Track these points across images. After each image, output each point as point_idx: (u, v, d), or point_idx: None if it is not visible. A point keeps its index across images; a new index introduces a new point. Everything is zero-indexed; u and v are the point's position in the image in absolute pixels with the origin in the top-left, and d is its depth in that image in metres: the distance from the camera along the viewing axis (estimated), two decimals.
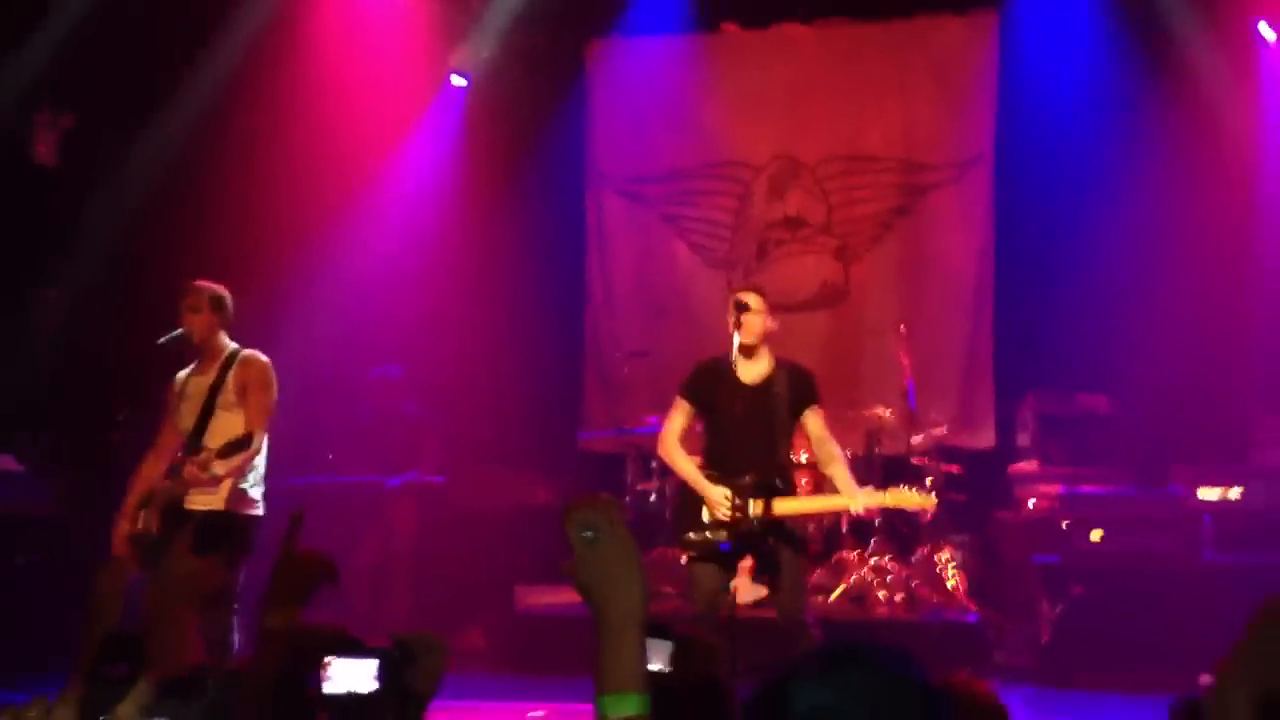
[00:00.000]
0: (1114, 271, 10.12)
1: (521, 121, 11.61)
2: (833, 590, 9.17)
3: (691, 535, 6.56)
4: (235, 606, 6.54)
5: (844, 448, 9.35)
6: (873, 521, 9.37)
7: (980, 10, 11.04)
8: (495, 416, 11.05)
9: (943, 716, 1.75)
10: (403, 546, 9.97)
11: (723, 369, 6.70)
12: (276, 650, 2.84)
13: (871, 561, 9.26)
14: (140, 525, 6.51)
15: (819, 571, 9.32)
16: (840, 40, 11.44)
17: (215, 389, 6.70)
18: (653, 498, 9.75)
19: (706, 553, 6.53)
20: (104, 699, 2.78)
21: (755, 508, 6.46)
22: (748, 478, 6.52)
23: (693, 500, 6.60)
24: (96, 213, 10.13)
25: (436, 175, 11.52)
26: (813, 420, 6.79)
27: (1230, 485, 9.00)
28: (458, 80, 11.62)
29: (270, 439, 6.78)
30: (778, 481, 6.57)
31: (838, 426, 9.75)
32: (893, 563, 9.25)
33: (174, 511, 6.51)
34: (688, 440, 6.88)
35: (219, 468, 6.43)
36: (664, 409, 7.06)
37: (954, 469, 9.75)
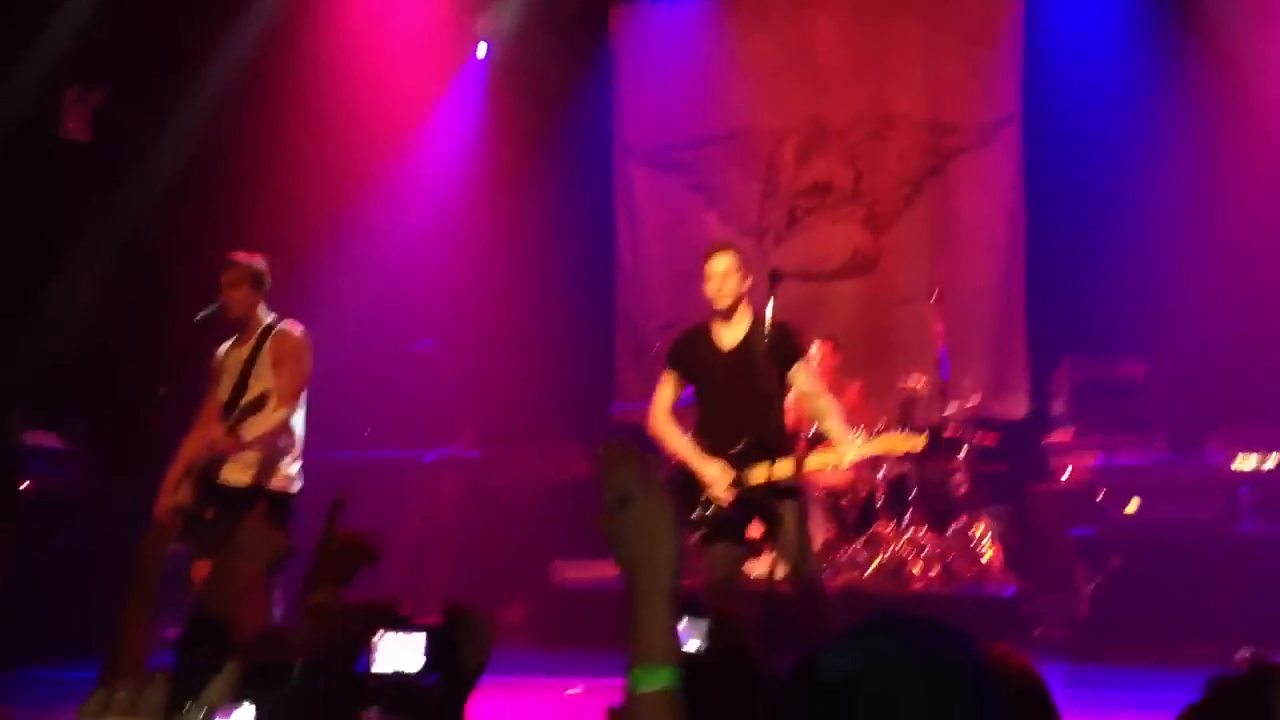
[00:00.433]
0: (1148, 234, 10.03)
1: (547, 90, 11.60)
2: (868, 564, 9.14)
3: (694, 516, 6.39)
4: (274, 582, 6.56)
5: (878, 418, 9.39)
6: (908, 494, 9.36)
7: None
8: (529, 390, 11.05)
9: (987, 697, 1.67)
10: (442, 521, 10.00)
11: (702, 335, 6.55)
12: (326, 629, 2.85)
13: (907, 535, 9.22)
14: (182, 498, 6.56)
15: (853, 546, 9.30)
16: (865, 2, 11.37)
17: (250, 362, 6.72)
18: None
19: (712, 531, 6.37)
20: (192, 682, 2.79)
21: (749, 475, 6.29)
22: (739, 445, 6.32)
23: (690, 479, 6.43)
24: (130, 188, 10.15)
25: (462, 147, 11.53)
26: (801, 375, 6.50)
27: (1267, 453, 8.92)
28: (481, 49, 11.59)
29: (308, 414, 6.79)
30: (766, 445, 6.32)
31: (871, 397, 9.80)
32: (929, 535, 9.21)
33: (206, 484, 6.54)
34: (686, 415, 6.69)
35: (244, 433, 6.48)
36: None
37: (989, 439, 9.68)
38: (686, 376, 6.61)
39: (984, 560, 9.18)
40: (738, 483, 6.30)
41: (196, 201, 10.18)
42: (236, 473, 6.60)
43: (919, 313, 10.10)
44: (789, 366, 6.45)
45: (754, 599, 6.31)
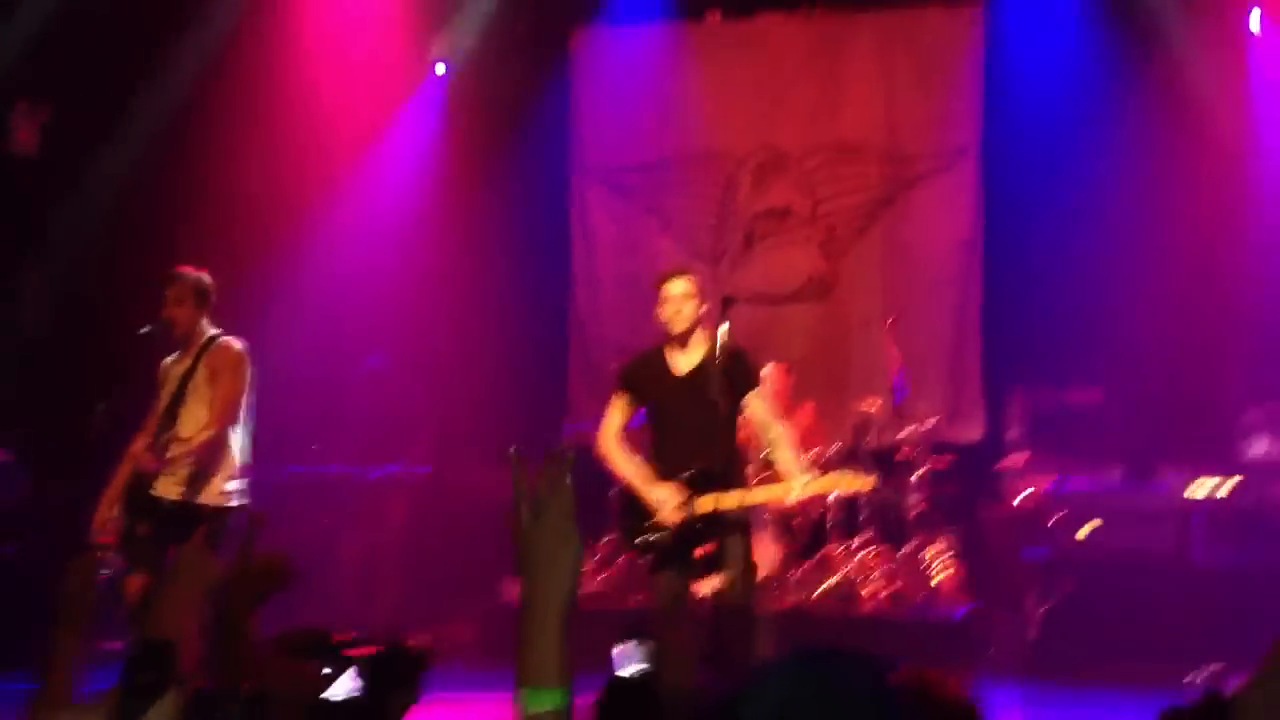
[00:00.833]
0: (1104, 264, 10.08)
1: (505, 110, 11.56)
2: (819, 586, 9.10)
3: (638, 540, 6.32)
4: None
5: (833, 441, 9.36)
6: (858, 515, 9.34)
7: (966, 0, 10.99)
8: (481, 408, 10.98)
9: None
10: (390, 538, 9.93)
11: (656, 360, 6.46)
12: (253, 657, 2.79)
13: (859, 556, 9.19)
14: (115, 513, 6.48)
15: (805, 567, 9.26)
16: (824, 30, 11.37)
17: (187, 376, 6.66)
18: None
19: (658, 556, 6.28)
20: (132, 709, 2.71)
21: (695, 504, 6.17)
22: (689, 472, 6.22)
23: (636, 502, 6.35)
24: (75, 202, 10.04)
25: (419, 165, 11.47)
26: (754, 404, 6.39)
27: (1220, 481, 8.95)
28: (439, 69, 11.56)
29: (254, 428, 6.72)
30: (716, 473, 6.21)
31: (826, 420, 9.79)
32: (880, 558, 9.18)
33: (139, 499, 6.46)
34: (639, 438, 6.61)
35: (172, 449, 6.41)
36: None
37: (943, 463, 9.69)
38: (638, 400, 6.52)
39: (936, 582, 9.16)
40: (681, 507, 6.18)
41: (145, 215, 10.09)
42: (168, 488, 6.52)
43: (874, 337, 10.10)
44: (743, 394, 6.36)
45: (697, 625, 6.24)
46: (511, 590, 9.43)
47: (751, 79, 11.42)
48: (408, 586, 9.72)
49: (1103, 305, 10.02)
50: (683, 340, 6.39)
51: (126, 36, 10.02)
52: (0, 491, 8.82)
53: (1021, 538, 9.04)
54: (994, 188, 10.80)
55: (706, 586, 6.51)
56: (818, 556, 9.32)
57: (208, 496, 6.57)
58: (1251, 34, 10.22)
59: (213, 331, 6.78)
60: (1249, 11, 10.24)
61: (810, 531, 9.49)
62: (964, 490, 9.81)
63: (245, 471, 6.75)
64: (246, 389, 6.71)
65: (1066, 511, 8.68)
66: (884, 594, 9.00)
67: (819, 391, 10.11)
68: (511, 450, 2.09)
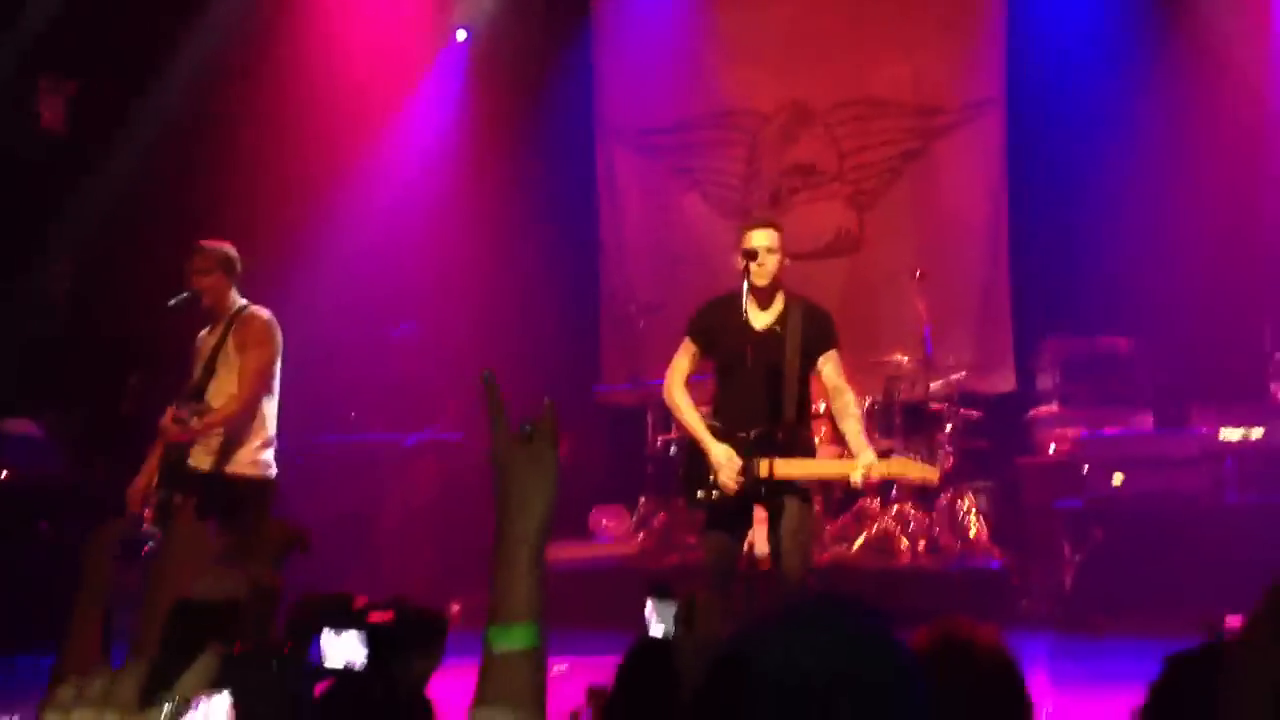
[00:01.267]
0: (1131, 211, 10.05)
1: (527, 74, 11.55)
2: (854, 540, 9.13)
3: (699, 494, 6.17)
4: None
5: (863, 395, 9.35)
6: None
7: None
8: (511, 372, 10.97)
9: (909, 670, 1.62)
10: (424, 504, 9.98)
11: (732, 310, 6.17)
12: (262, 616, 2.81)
13: (893, 510, 9.21)
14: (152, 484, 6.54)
15: (840, 521, 9.29)
16: None
17: (217, 348, 6.69)
18: (672, 450, 9.69)
19: (712, 513, 6.19)
20: (170, 670, 2.72)
21: (757, 466, 6.01)
22: (752, 433, 6.05)
23: (699, 456, 6.20)
24: (103, 178, 10.08)
25: (444, 131, 11.47)
26: (829, 368, 6.22)
27: (1252, 425, 8.91)
28: (461, 34, 11.53)
29: (283, 398, 6.75)
30: (781, 437, 6.06)
31: (856, 374, 9.73)
32: (915, 510, 9.20)
33: (174, 469, 6.51)
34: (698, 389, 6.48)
35: (198, 420, 6.46)
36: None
37: (973, 414, 9.69)
38: (707, 350, 6.32)
39: (970, 534, 9.18)
40: (746, 471, 6.03)
41: (173, 188, 10.12)
42: (200, 458, 6.57)
43: (903, 291, 10.08)
44: (818, 356, 6.21)
45: (742, 586, 6.22)
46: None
47: (774, 35, 11.38)
48: (443, 552, 9.77)
49: (1132, 253, 9.96)
50: (762, 294, 6.19)
51: (149, 10, 10.03)
52: (32, 467, 8.89)
53: (1054, 488, 9.02)
54: (1021, 138, 10.76)
55: (758, 549, 6.51)
56: (853, 510, 9.35)
57: (239, 466, 6.60)
58: None
59: (241, 302, 6.80)
60: None
61: (845, 485, 9.49)
62: (996, 442, 9.80)
63: (273, 441, 6.77)
64: (275, 358, 6.73)
65: (1098, 460, 8.65)
66: (921, 545, 9.02)
67: (849, 347, 9.94)
68: (484, 373, 2.02)
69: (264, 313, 6.78)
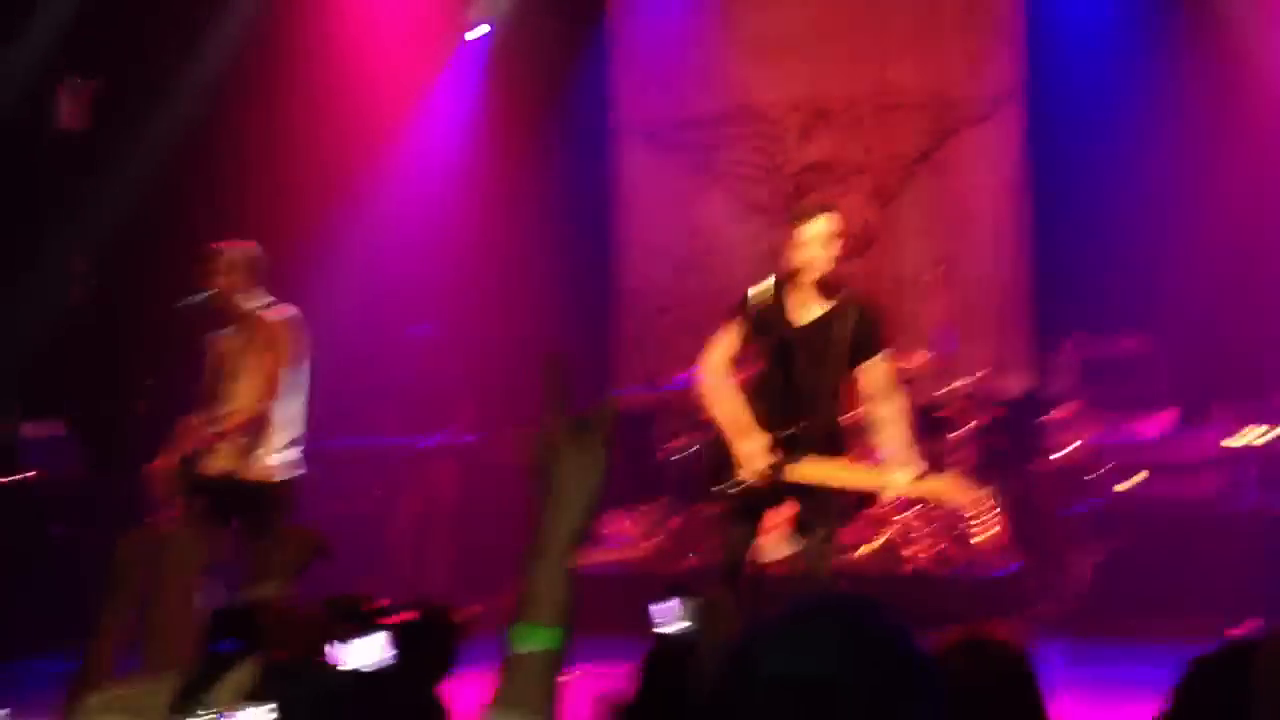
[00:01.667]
0: (1153, 209, 9.97)
1: (545, 71, 11.52)
2: (868, 543, 9.07)
3: (721, 488, 5.89)
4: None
5: None
6: None
7: None
8: (526, 373, 10.96)
9: (923, 670, 1.60)
10: (442, 507, 9.97)
11: (775, 300, 5.82)
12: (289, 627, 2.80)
13: (908, 512, 9.15)
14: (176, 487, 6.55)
15: (852, 525, 9.22)
16: None
17: (237, 349, 6.68)
18: (686, 454, 9.64)
19: (733, 509, 5.95)
20: (208, 679, 2.71)
21: (788, 467, 5.73)
22: (788, 431, 5.74)
23: (725, 450, 5.90)
24: (120, 177, 10.09)
25: (461, 128, 11.45)
26: (879, 369, 5.84)
27: (1273, 426, 8.85)
28: (480, 29, 11.52)
29: (307, 399, 6.74)
30: (816, 440, 5.74)
31: None
32: (930, 513, 9.14)
33: (192, 473, 6.51)
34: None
35: (216, 424, 6.46)
36: (695, 364, 6.25)
37: (992, 415, 9.61)
38: (750, 336, 5.90)
39: (983, 538, 9.11)
40: (774, 469, 5.75)
41: (189, 189, 10.12)
42: (220, 462, 6.56)
43: (921, 289, 10.03)
44: (867, 357, 5.82)
45: (755, 587, 6.13)
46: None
47: (792, 30, 11.34)
48: (459, 555, 9.76)
49: (1151, 253, 9.89)
50: (813, 287, 5.78)
51: (170, 9, 10.04)
52: (53, 467, 8.90)
53: (1071, 490, 8.97)
54: (1040, 134, 10.69)
55: (772, 549, 6.33)
56: (867, 511, 9.29)
57: (254, 470, 6.59)
58: None
59: (262, 303, 6.78)
60: None
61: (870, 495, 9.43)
62: (1013, 443, 9.74)
63: (298, 441, 6.76)
64: (297, 359, 6.71)
65: (1116, 463, 8.60)
66: (936, 549, 8.97)
67: None
68: (550, 355, 1.96)
69: (284, 313, 6.75)
